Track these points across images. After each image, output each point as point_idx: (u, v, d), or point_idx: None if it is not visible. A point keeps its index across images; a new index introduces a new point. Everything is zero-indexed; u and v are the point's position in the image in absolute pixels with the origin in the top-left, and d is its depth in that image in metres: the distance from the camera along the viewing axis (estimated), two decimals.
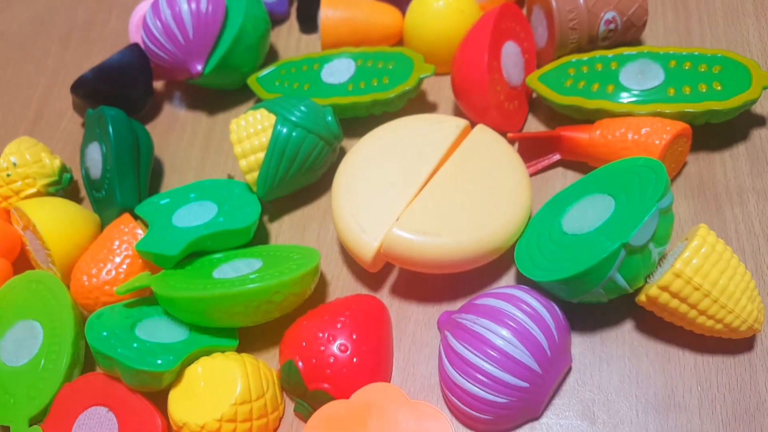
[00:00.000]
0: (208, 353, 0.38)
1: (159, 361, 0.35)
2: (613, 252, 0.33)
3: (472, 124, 0.45)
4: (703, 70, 0.43)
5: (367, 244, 0.40)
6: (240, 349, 0.40)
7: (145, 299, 0.42)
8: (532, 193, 0.42)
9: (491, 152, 0.43)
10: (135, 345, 0.36)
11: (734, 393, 0.35)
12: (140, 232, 0.44)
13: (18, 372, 0.39)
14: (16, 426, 0.38)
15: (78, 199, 0.53)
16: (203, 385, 0.36)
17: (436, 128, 0.44)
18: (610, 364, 0.37)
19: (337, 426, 0.35)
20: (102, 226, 0.48)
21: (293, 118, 0.44)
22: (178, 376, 0.37)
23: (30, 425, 0.38)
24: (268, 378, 0.38)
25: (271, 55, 0.58)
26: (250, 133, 0.45)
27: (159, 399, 0.37)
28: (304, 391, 0.37)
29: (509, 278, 0.42)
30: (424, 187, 0.41)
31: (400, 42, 0.55)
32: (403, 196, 0.41)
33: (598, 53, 0.46)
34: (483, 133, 0.44)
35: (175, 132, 0.55)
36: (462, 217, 0.39)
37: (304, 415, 0.37)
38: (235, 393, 0.35)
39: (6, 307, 0.42)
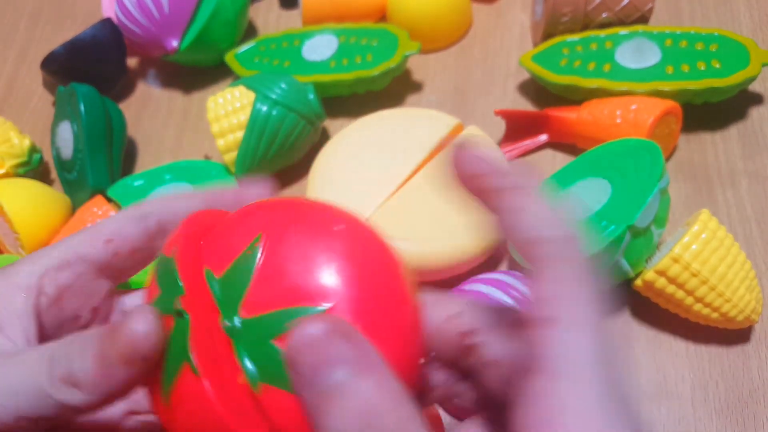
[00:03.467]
0: None
1: None
2: (620, 235, 0.32)
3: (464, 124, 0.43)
4: (700, 48, 0.42)
5: None
6: None
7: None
8: None
9: None
10: None
11: (727, 381, 0.35)
12: (113, 214, 0.42)
13: None
14: None
15: (48, 181, 0.51)
16: None
17: (425, 125, 0.42)
18: None
19: None
20: (73, 208, 0.46)
21: (273, 96, 0.43)
22: None
23: None
24: None
25: (250, 31, 0.56)
26: (228, 111, 0.43)
27: None
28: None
29: (503, 268, 0.41)
30: (401, 187, 0.40)
31: (383, 18, 0.53)
32: (378, 195, 0.39)
33: (591, 33, 0.45)
34: (473, 133, 0.42)
35: (150, 110, 0.53)
36: (433, 224, 0.37)
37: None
38: None
39: None
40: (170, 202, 0.22)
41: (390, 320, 0.17)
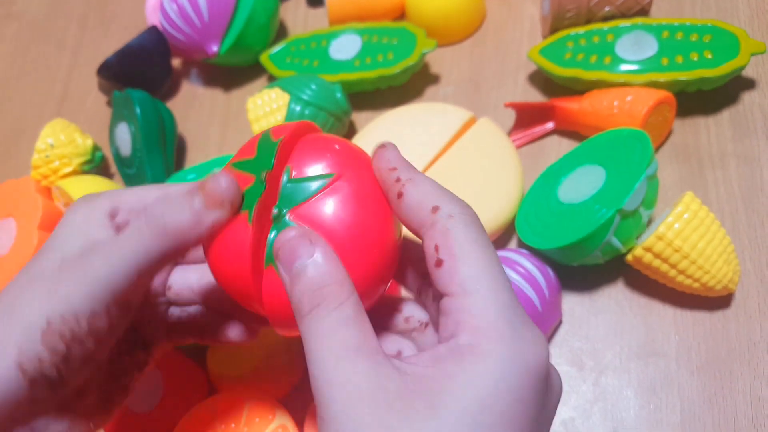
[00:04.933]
0: None
1: None
2: (610, 218, 0.37)
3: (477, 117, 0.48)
4: (694, 39, 0.46)
5: None
6: None
7: None
8: (522, 188, 0.44)
9: (489, 146, 0.45)
10: None
11: (708, 342, 0.39)
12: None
13: None
14: None
15: (109, 175, 0.57)
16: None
17: (440, 119, 0.46)
18: (597, 317, 0.42)
19: None
20: None
21: (305, 97, 0.48)
22: None
23: None
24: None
25: (281, 31, 0.61)
26: (266, 111, 0.49)
27: (198, 355, 0.42)
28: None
29: (512, 245, 0.45)
30: None
31: (402, 15, 0.57)
32: None
33: (594, 26, 0.49)
34: (485, 126, 0.46)
35: (194, 109, 0.59)
36: None
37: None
38: (265, 348, 0.40)
39: None
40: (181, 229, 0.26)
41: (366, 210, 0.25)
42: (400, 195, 0.23)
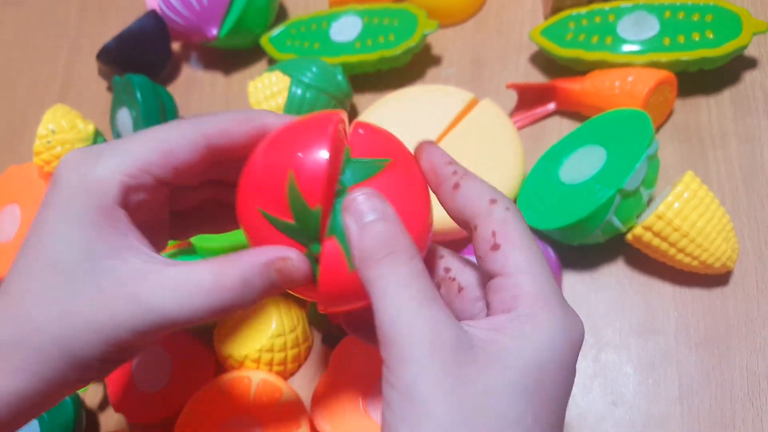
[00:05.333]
0: None
1: None
2: (610, 198, 0.37)
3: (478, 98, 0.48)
4: (696, 19, 0.46)
5: None
6: None
7: (184, 250, 0.47)
8: (524, 169, 0.44)
9: (491, 127, 0.45)
10: None
11: (707, 319, 0.40)
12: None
13: None
14: None
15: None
16: (243, 322, 0.41)
17: (442, 101, 0.46)
18: (598, 295, 0.42)
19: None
20: None
21: (306, 80, 0.48)
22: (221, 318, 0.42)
23: None
24: (298, 315, 0.43)
25: (281, 13, 0.60)
26: (267, 95, 0.49)
27: (205, 336, 0.43)
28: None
29: None
30: None
31: None
32: None
33: (596, 6, 0.49)
34: (487, 107, 0.46)
35: (195, 92, 0.59)
36: None
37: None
38: (271, 328, 0.41)
39: None
40: (227, 126, 0.27)
41: (412, 188, 0.26)
42: (456, 186, 0.25)
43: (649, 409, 0.38)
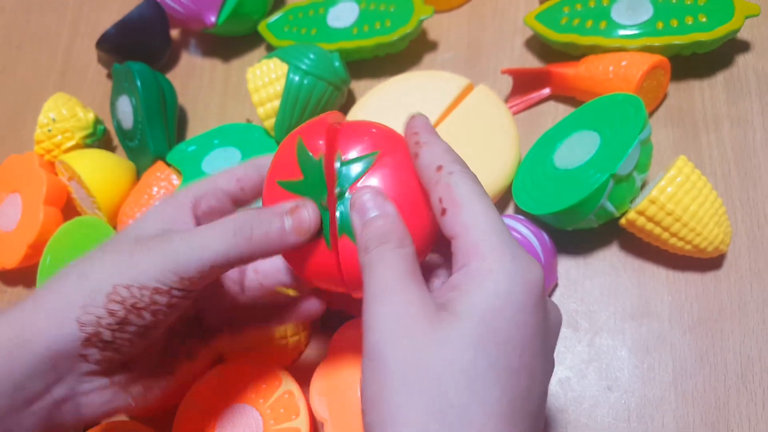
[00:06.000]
0: None
1: None
2: (603, 183, 0.38)
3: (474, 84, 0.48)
4: (689, 2, 0.46)
5: None
6: None
7: None
8: (519, 155, 0.45)
9: (486, 113, 0.45)
10: None
11: (700, 302, 0.41)
12: (174, 178, 0.49)
13: None
14: None
15: (111, 148, 0.58)
16: None
17: (438, 86, 0.47)
18: (592, 280, 0.43)
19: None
20: (138, 171, 0.53)
21: (303, 67, 0.48)
22: None
23: None
24: None
25: (278, 0, 0.61)
26: (266, 82, 0.49)
27: None
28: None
29: (509, 212, 0.46)
30: None
31: None
32: None
33: None
34: (482, 93, 0.46)
35: (194, 79, 0.59)
36: None
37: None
38: None
39: (61, 249, 0.48)
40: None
41: (405, 184, 0.28)
42: (416, 156, 0.27)
43: (643, 393, 0.39)
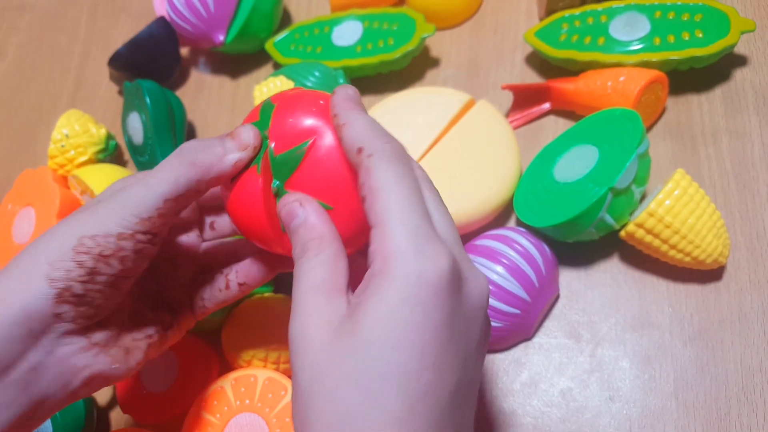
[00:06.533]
0: (250, 297, 0.45)
1: None
2: (602, 196, 0.38)
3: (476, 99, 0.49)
4: (685, 18, 0.47)
5: None
6: (275, 291, 0.47)
7: None
8: (520, 168, 0.45)
9: (487, 127, 0.46)
10: None
11: (700, 313, 0.41)
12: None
13: None
14: None
15: (122, 162, 0.59)
16: (249, 321, 0.43)
17: (440, 102, 0.48)
18: (593, 291, 0.43)
19: None
20: None
21: (309, 84, 0.49)
22: (227, 317, 0.44)
23: None
24: None
25: (285, 18, 0.62)
26: None
27: (211, 337, 0.45)
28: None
29: (511, 224, 0.47)
30: (421, 159, 0.46)
31: (402, 0, 0.58)
32: None
33: (588, 7, 0.50)
34: (483, 108, 0.47)
35: (203, 96, 0.60)
36: (449, 191, 0.43)
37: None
38: (275, 325, 0.42)
39: None
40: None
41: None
42: (341, 140, 0.27)
43: (645, 404, 0.39)
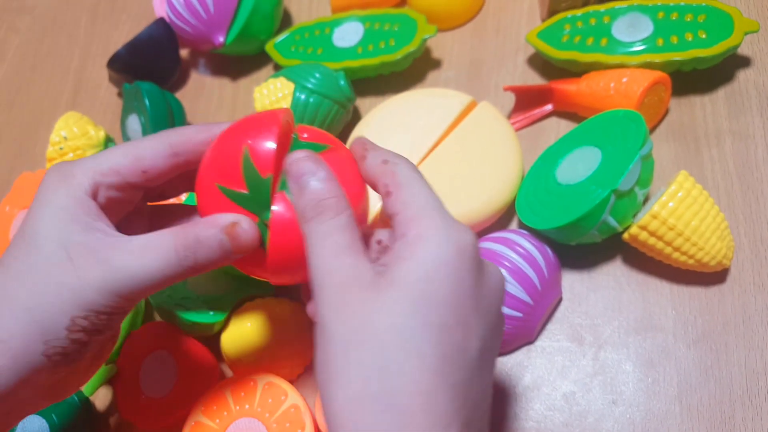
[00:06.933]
0: (251, 299, 0.44)
1: (211, 314, 0.42)
2: (605, 198, 0.38)
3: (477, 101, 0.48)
4: (689, 19, 0.46)
5: None
6: (276, 294, 0.46)
7: None
8: (522, 170, 0.45)
9: (489, 129, 0.46)
10: (189, 300, 0.43)
11: (704, 316, 0.41)
12: (183, 194, 0.49)
13: None
14: None
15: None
16: (249, 325, 0.42)
17: (442, 104, 0.47)
18: (596, 294, 0.43)
19: None
20: None
21: (309, 86, 0.49)
22: (227, 321, 0.43)
23: (105, 364, 0.45)
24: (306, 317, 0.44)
25: (285, 19, 0.62)
26: (272, 100, 0.50)
27: (210, 342, 0.44)
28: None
29: (513, 227, 0.47)
30: (422, 161, 0.46)
31: (403, 1, 0.58)
32: None
33: (591, 8, 0.49)
34: (485, 110, 0.47)
35: (203, 98, 0.60)
36: (451, 193, 0.43)
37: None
38: (275, 329, 0.42)
39: None
40: (189, 134, 0.32)
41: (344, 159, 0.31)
42: (363, 158, 0.30)
43: (648, 407, 0.39)
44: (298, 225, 0.28)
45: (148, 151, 0.31)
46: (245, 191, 0.29)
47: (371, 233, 0.30)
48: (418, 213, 0.26)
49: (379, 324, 0.24)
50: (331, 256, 0.26)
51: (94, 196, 0.30)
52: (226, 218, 0.29)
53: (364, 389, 0.23)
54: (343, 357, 0.24)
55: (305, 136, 0.31)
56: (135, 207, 0.33)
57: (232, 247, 0.29)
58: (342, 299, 0.25)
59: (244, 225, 0.29)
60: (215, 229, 0.29)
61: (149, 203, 0.35)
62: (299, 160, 0.28)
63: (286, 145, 0.30)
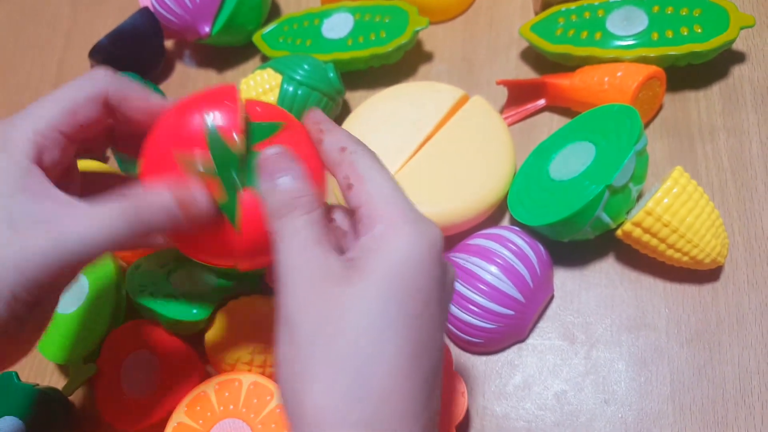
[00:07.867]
0: (236, 297, 0.43)
1: (194, 311, 0.41)
2: (599, 194, 0.37)
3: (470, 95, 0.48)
4: (684, 13, 0.46)
5: None
6: (262, 293, 0.45)
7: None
8: (514, 166, 0.44)
9: (481, 124, 0.45)
10: (172, 297, 0.41)
11: (697, 314, 0.40)
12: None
13: (70, 318, 0.45)
14: (74, 364, 0.43)
15: (104, 159, 0.57)
16: (234, 324, 0.41)
17: (433, 97, 0.46)
18: (588, 291, 0.42)
19: None
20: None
21: (298, 77, 0.48)
22: (211, 319, 0.42)
23: (84, 363, 0.43)
24: None
25: (274, 10, 0.60)
26: (259, 92, 0.49)
27: (193, 341, 0.43)
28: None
29: (505, 223, 0.46)
30: (413, 156, 0.45)
31: None
32: (394, 164, 0.44)
33: (585, 1, 0.49)
34: (477, 104, 0.46)
35: (188, 90, 0.59)
36: (441, 188, 0.42)
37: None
38: (261, 328, 0.41)
39: None
40: (124, 85, 0.31)
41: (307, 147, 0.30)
42: (320, 141, 0.30)
43: (641, 407, 0.38)
44: (268, 221, 0.28)
45: (84, 103, 0.30)
46: (211, 164, 0.29)
47: (329, 209, 0.31)
48: (383, 206, 0.26)
49: (353, 314, 0.24)
50: (301, 251, 0.26)
51: (38, 160, 0.28)
52: (178, 184, 0.29)
53: (340, 379, 0.23)
54: (316, 348, 0.24)
55: (258, 109, 0.30)
56: (69, 164, 0.32)
57: (183, 213, 0.28)
58: (312, 292, 0.25)
59: (195, 192, 0.29)
60: (169, 194, 0.28)
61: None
62: (272, 156, 0.28)
63: (241, 122, 0.30)
